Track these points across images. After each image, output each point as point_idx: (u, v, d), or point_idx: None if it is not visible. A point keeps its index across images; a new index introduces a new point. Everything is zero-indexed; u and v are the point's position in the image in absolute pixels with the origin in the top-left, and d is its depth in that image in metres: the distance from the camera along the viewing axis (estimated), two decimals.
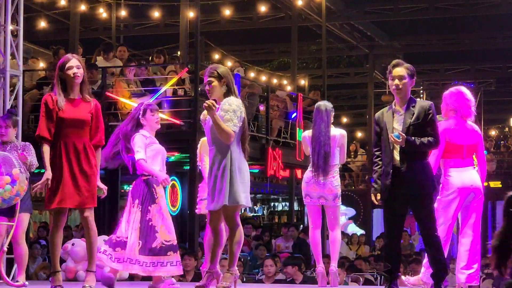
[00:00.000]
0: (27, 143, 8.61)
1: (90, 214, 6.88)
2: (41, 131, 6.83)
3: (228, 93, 6.88)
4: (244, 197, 6.78)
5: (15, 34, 10.72)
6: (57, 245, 6.90)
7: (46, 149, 6.81)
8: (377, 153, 7.13)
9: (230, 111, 6.72)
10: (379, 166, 7.07)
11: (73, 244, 10.35)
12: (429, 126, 6.94)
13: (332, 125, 8.81)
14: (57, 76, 6.89)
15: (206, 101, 6.69)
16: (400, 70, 7.04)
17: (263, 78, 22.99)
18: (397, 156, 6.93)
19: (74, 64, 6.87)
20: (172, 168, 16.48)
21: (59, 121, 6.83)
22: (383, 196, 7.05)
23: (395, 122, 6.99)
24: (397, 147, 6.93)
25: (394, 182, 6.93)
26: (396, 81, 7.01)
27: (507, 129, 31.90)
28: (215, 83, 6.88)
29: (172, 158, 15.22)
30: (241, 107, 6.82)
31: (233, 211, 6.83)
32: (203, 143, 8.48)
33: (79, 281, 9.68)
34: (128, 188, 23.18)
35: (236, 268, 7.01)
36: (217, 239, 7.02)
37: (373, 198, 7.13)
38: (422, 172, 6.93)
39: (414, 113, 6.94)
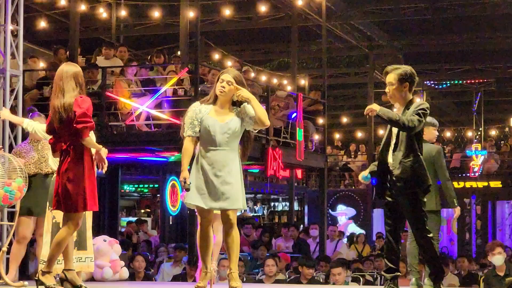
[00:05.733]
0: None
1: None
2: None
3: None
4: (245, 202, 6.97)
5: (15, 34, 10.72)
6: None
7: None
8: None
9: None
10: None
11: None
12: (414, 112, 6.87)
13: None
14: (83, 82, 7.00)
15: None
16: (389, 77, 7.06)
17: (263, 78, 22.98)
18: (389, 156, 7.02)
19: None
20: (172, 168, 16.52)
21: None
22: (376, 194, 7.20)
23: None
24: (390, 149, 7.00)
25: (386, 181, 7.04)
26: (386, 89, 7.08)
27: (507, 129, 31.91)
28: (233, 86, 6.85)
29: (172, 158, 15.23)
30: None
31: (236, 214, 6.90)
32: None
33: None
34: (128, 188, 23.21)
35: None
36: (212, 239, 7.03)
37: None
38: (410, 170, 6.94)
39: (407, 113, 6.96)
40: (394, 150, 6.99)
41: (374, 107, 6.82)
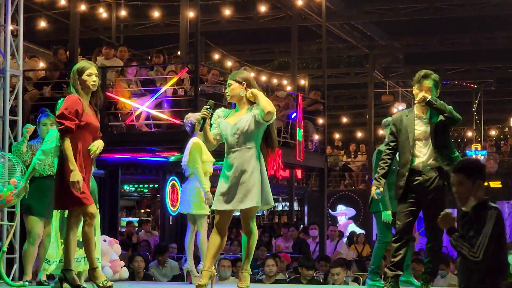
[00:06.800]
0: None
1: None
2: (73, 125, 6.70)
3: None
4: (271, 198, 6.98)
5: (15, 34, 10.71)
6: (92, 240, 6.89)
7: (70, 145, 6.70)
8: (387, 151, 7.30)
9: None
10: (386, 164, 7.25)
11: None
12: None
13: None
14: (78, 80, 6.85)
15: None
16: (429, 83, 7.19)
17: (263, 78, 22.98)
18: (416, 158, 7.10)
19: (94, 72, 6.87)
20: (172, 168, 16.51)
21: (83, 125, 6.76)
22: (396, 197, 7.24)
23: (417, 125, 7.17)
24: (417, 152, 7.11)
25: (410, 184, 7.10)
26: (422, 93, 7.16)
27: (507, 129, 31.92)
28: (235, 85, 6.93)
29: (172, 158, 15.22)
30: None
31: (255, 213, 6.97)
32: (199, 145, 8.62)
33: None
34: (128, 188, 23.17)
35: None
36: (223, 240, 7.01)
37: (373, 191, 7.31)
38: (439, 175, 7.09)
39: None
40: (436, 147, 7.09)
41: (426, 95, 7.07)
